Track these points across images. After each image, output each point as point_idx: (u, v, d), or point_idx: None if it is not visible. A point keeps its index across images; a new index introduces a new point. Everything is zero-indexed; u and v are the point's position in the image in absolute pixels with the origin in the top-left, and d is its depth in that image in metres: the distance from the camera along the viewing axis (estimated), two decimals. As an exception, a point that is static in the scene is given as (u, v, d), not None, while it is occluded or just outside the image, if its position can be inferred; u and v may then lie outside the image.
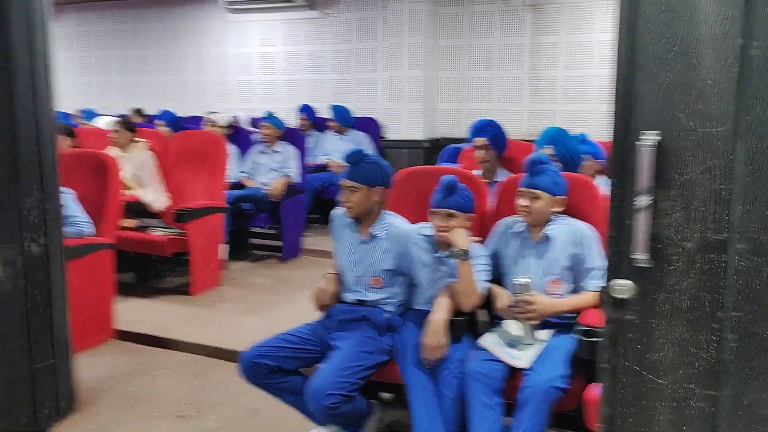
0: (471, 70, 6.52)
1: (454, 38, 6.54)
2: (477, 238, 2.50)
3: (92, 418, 2.77)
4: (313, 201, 5.61)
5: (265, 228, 5.41)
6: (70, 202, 3.34)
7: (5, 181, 2.44)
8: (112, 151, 4.42)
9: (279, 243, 5.22)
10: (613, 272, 1.37)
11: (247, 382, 2.39)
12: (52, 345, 2.67)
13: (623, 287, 1.36)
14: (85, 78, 8.58)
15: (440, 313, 2.28)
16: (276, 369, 2.36)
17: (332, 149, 6.02)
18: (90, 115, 7.01)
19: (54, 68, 2.65)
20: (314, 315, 2.60)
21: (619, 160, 1.35)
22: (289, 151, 5.26)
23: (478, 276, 2.34)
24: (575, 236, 2.37)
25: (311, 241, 5.45)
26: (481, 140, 3.48)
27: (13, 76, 2.45)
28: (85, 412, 2.82)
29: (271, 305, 4.14)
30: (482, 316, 2.50)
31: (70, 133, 4.67)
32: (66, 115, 6.32)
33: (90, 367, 3.11)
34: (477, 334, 2.39)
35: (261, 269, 4.99)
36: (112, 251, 3.59)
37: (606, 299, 1.40)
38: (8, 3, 2.41)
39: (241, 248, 5.23)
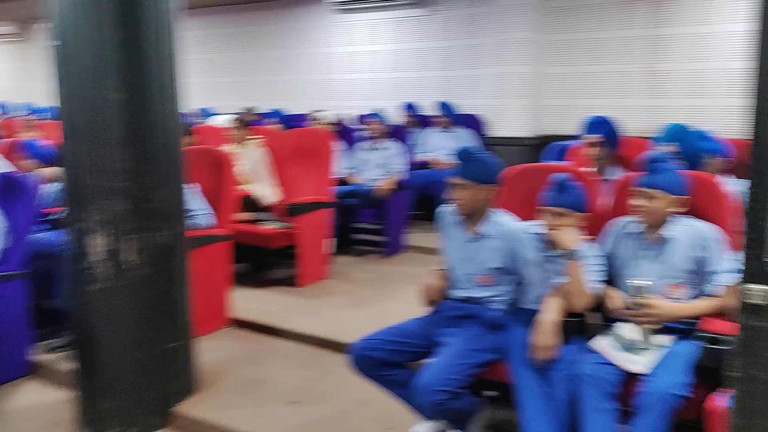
0: (580, 65, 6.33)
1: (563, 32, 6.37)
2: (588, 238, 2.44)
3: (211, 399, 2.94)
4: (416, 198, 5.66)
5: (369, 224, 5.50)
6: (193, 195, 3.55)
7: (139, 176, 2.62)
8: (229, 148, 4.65)
9: (382, 239, 5.29)
10: (748, 277, 1.30)
11: (356, 373, 2.45)
12: (177, 329, 2.86)
13: (759, 292, 1.28)
14: (202, 79, 9.06)
15: (550, 313, 2.24)
16: (384, 362, 2.41)
17: (436, 146, 6.03)
18: (207, 114, 7.40)
19: (181, 70, 2.83)
20: (418, 310, 2.62)
21: (757, 159, 1.27)
22: (394, 147, 5.32)
23: (589, 276, 2.29)
24: (697, 238, 2.26)
25: (414, 237, 5.48)
26: (594, 137, 3.38)
27: (146, 79, 2.62)
28: (205, 393, 2.99)
29: (375, 299, 4.21)
30: (594, 318, 2.44)
31: (189, 131, 4.96)
32: (184, 114, 6.71)
33: (208, 351, 3.27)
34: (587, 337, 2.33)
35: (365, 264, 5.08)
36: (229, 242, 3.79)
37: (740, 305, 1.33)
38: (141, 9, 2.59)
39: (345, 243, 5.35)
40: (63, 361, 3.30)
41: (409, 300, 3.92)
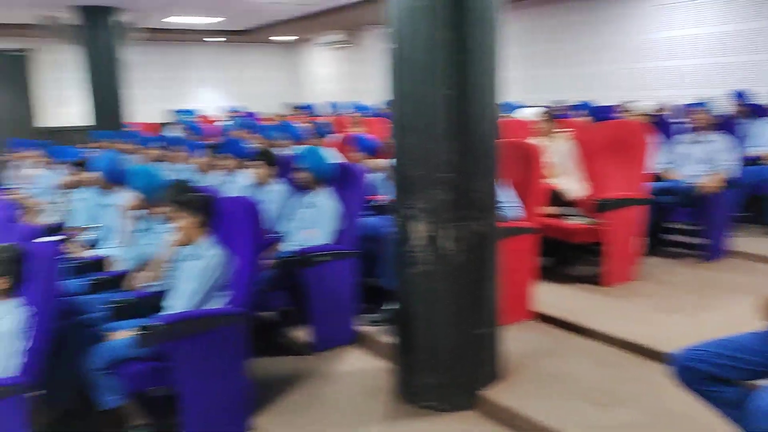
0: None
1: None
2: None
3: (515, 388, 2.98)
4: (744, 197, 5.00)
5: (686, 224, 5.03)
6: (503, 187, 3.63)
7: (460, 168, 2.77)
8: (536, 141, 4.65)
9: (701, 241, 4.79)
10: None
11: (678, 384, 2.25)
12: (486, 316, 2.96)
13: None
14: (510, 73, 9.24)
15: None
16: (712, 376, 2.17)
17: (772, 139, 5.25)
18: (511, 107, 7.50)
19: (501, 66, 2.89)
20: (750, 323, 2.30)
21: None
22: (721, 140, 4.76)
23: None
24: None
25: (740, 241, 4.86)
26: None
27: (470, 76, 2.74)
28: (508, 381, 3.04)
29: (690, 306, 3.84)
30: None
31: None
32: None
33: (511, 341, 3.31)
34: None
35: (678, 267, 4.66)
36: (535, 235, 3.79)
37: None
38: (470, 10, 2.69)
39: (656, 243, 4.97)
40: (382, 335, 3.65)
41: (735, 311, 3.52)
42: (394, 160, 2.98)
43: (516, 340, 3.42)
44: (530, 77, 9.07)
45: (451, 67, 2.69)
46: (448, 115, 2.72)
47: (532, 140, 4.65)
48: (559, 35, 8.62)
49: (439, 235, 2.80)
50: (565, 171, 4.67)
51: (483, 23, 2.75)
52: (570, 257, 4.69)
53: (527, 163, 3.93)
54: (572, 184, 4.61)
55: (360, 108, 10.10)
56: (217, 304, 2.95)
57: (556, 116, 5.11)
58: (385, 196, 4.54)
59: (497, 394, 2.92)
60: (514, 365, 3.19)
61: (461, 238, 2.81)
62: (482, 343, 2.95)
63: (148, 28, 10.58)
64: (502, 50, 2.89)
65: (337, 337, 3.77)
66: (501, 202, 3.53)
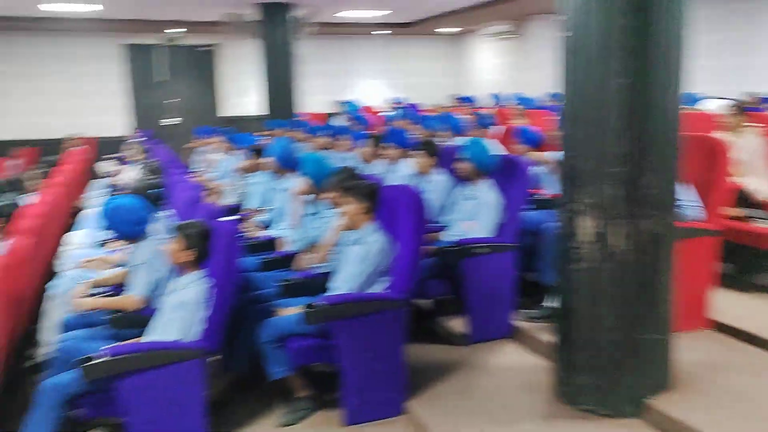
0: None
1: None
2: None
3: (688, 401, 2.76)
4: None
5: None
6: (682, 185, 3.37)
7: (633, 162, 2.60)
8: (722, 136, 4.26)
9: None
10: None
11: None
12: (656, 320, 2.77)
13: None
14: (695, 61, 8.55)
15: None
16: None
17: None
18: (693, 99, 6.94)
19: (687, 54, 2.67)
20: None
21: None
22: None
23: None
24: None
25: None
26: None
27: (651, 64, 2.56)
28: (680, 393, 2.82)
29: None
30: None
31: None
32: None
33: (684, 350, 3.06)
34: None
35: None
36: (716, 238, 3.48)
37: None
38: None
39: None
40: (540, 331, 3.55)
41: None
42: (562, 153, 2.87)
43: (690, 350, 3.16)
44: (719, 66, 8.30)
45: (628, 55, 2.53)
46: (622, 106, 2.56)
47: (717, 135, 4.26)
48: (754, 21, 7.80)
49: (608, 232, 2.66)
50: (753, 170, 4.25)
51: (668, 8, 2.56)
52: (756, 264, 4.25)
53: (711, 159, 3.62)
54: (762, 185, 4.18)
55: (523, 100, 9.86)
56: (379, 288, 3.04)
57: (747, 109, 4.63)
58: (548, 190, 4.40)
59: (667, 404, 2.72)
60: (688, 376, 2.95)
61: (632, 236, 2.64)
62: (651, 348, 2.76)
63: (319, 23, 11.09)
64: (688, 37, 2.67)
65: (493, 329, 3.72)
66: (679, 200, 3.29)
